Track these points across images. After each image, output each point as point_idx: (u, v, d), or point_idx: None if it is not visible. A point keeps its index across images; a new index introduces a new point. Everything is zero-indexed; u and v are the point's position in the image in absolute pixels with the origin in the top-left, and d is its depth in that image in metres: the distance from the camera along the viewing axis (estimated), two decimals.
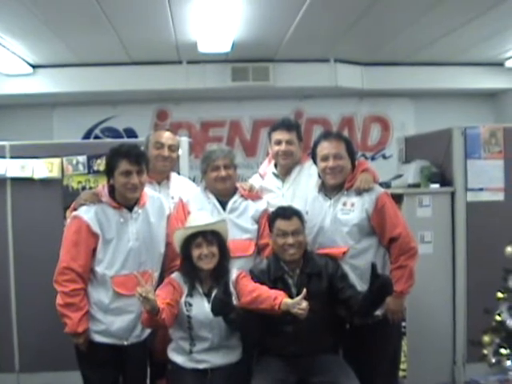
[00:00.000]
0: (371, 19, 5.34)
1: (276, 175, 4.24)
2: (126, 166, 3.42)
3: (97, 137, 7.68)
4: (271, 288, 3.39)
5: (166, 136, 4.16)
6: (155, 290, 3.28)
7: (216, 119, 7.86)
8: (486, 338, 3.78)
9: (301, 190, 4.06)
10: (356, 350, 3.68)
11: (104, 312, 3.47)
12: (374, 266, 3.22)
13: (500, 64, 7.10)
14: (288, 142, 4.09)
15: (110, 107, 7.69)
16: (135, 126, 7.69)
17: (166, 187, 4.16)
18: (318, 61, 7.00)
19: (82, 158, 4.77)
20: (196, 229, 3.46)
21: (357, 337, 3.66)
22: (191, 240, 3.45)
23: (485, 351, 3.78)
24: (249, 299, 3.37)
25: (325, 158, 3.68)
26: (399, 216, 3.71)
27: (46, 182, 4.78)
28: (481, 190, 4.84)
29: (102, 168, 4.56)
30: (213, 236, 3.46)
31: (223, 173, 3.82)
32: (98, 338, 3.47)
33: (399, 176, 5.22)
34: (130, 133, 7.65)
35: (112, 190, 3.54)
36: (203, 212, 3.72)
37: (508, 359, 3.69)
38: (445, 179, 4.92)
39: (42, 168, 4.76)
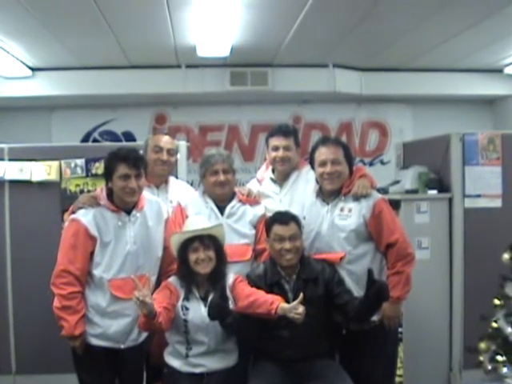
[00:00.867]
0: (370, 25, 5.35)
1: (273, 180, 4.24)
2: (125, 169, 3.42)
3: (95, 140, 7.69)
4: (268, 293, 3.39)
5: (165, 140, 4.17)
6: (152, 294, 3.28)
7: (214, 123, 7.87)
8: (483, 345, 3.77)
9: (298, 195, 4.05)
10: (352, 356, 3.68)
11: (101, 315, 3.47)
12: (370, 272, 3.22)
13: (499, 70, 7.12)
14: (285, 148, 4.08)
15: (108, 110, 7.69)
16: (134, 130, 7.69)
17: (165, 191, 4.16)
18: (317, 66, 7.01)
19: (81, 161, 4.77)
20: (193, 233, 3.47)
21: (353, 342, 3.65)
22: (188, 244, 3.45)
23: (481, 358, 3.77)
24: (245, 304, 3.36)
25: (322, 164, 3.68)
26: (396, 222, 3.71)
27: (44, 185, 4.78)
28: (478, 196, 4.84)
29: (100, 171, 4.56)
30: (209, 240, 3.47)
31: (222, 177, 3.81)
32: (95, 341, 3.47)
33: (397, 182, 5.22)
34: (129, 136, 7.66)
35: (110, 194, 3.54)
36: (200, 216, 3.72)
37: (504, 366, 3.67)
38: (442, 185, 4.92)
39: (41, 171, 4.75)
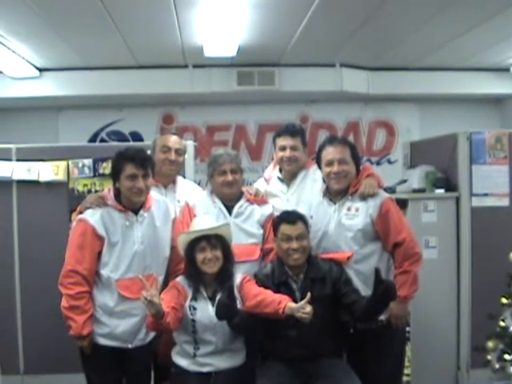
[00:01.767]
0: (377, 24, 5.36)
1: (281, 180, 4.25)
2: (132, 169, 3.43)
3: (103, 140, 7.72)
4: (275, 292, 3.39)
5: (173, 140, 4.17)
6: (160, 294, 3.28)
7: (221, 123, 7.89)
8: (490, 344, 3.76)
9: (305, 194, 4.06)
10: (359, 355, 3.68)
11: (109, 315, 3.48)
12: (377, 271, 3.21)
13: (506, 69, 7.11)
14: (292, 148, 4.09)
15: (115, 111, 7.73)
16: (141, 130, 7.72)
17: (172, 191, 4.17)
18: (324, 65, 7.02)
19: (88, 161, 4.78)
20: (200, 233, 3.47)
21: (360, 341, 3.66)
22: (195, 244, 3.46)
23: (489, 357, 3.77)
24: (253, 303, 3.36)
25: (329, 163, 3.68)
26: (403, 221, 3.71)
27: (51, 185, 4.79)
28: (486, 195, 4.83)
29: (107, 171, 4.56)
30: (216, 240, 3.47)
31: (230, 177, 3.81)
32: (103, 341, 3.48)
33: (404, 181, 5.21)
34: (136, 136, 7.69)
35: (118, 194, 3.55)
36: (207, 216, 3.72)
37: None
38: (450, 184, 4.91)
39: (48, 171, 4.77)
